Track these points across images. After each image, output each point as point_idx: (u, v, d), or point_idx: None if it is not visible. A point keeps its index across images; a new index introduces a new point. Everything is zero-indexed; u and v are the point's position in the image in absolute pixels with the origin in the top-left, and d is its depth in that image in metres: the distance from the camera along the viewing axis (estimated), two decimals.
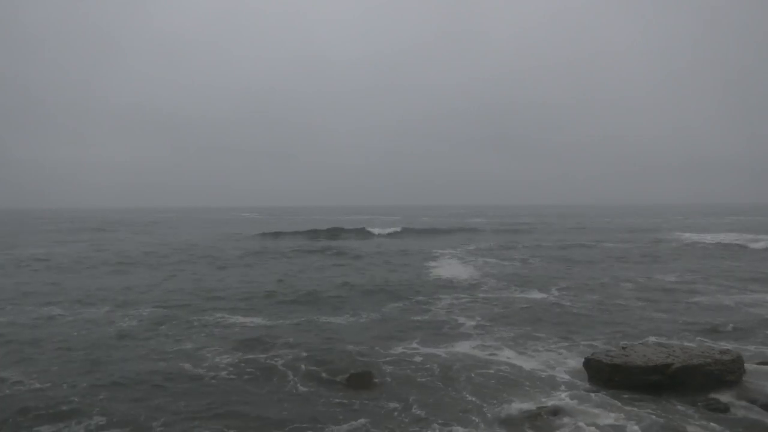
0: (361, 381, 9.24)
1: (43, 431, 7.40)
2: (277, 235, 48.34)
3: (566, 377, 9.52)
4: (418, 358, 10.65)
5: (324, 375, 9.65)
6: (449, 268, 25.02)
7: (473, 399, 8.56)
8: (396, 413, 8.03)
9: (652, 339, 11.62)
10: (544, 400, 8.44)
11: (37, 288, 19.05)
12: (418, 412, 8.08)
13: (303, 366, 10.05)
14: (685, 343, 10.75)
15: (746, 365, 9.21)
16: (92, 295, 17.53)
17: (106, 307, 15.64)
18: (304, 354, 10.72)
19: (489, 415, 7.94)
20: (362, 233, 50.64)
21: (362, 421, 7.73)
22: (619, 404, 8.10)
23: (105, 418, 7.79)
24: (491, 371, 9.83)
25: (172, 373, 9.68)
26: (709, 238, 39.28)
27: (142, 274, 23.12)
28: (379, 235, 49.50)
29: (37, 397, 8.48)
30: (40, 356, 10.75)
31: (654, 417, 7.66)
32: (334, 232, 49.97)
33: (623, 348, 9.59)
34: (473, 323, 13.61)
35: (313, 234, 49.00)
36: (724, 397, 8.24)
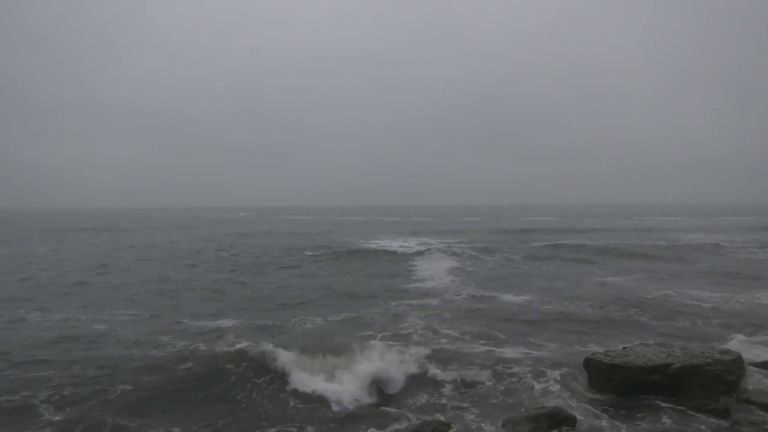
0: None
1: None
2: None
3: (566, 377, 9.46)
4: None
5: None
6: None
7: (470, 400, 8.52)
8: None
9: (654, 339, 11.59)
10: (543, 400, 8.40)
11: None
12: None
13: None
14: (686, 343, 10.71)
15: (747, 365, 9.18)
16: None
17: None
18: None
19: (488, 416, 7.90)
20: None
21: None
22: (619, 404, 8.06)
23: None
24: (488, 372, 9.79)
25: None
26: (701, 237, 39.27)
27: None
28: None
29: None
30: None
31: (654, 418, 7.63)
32: None
33: (623, 348, 9.56)
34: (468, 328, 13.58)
35: None
36: (724, 397, 8.19)
